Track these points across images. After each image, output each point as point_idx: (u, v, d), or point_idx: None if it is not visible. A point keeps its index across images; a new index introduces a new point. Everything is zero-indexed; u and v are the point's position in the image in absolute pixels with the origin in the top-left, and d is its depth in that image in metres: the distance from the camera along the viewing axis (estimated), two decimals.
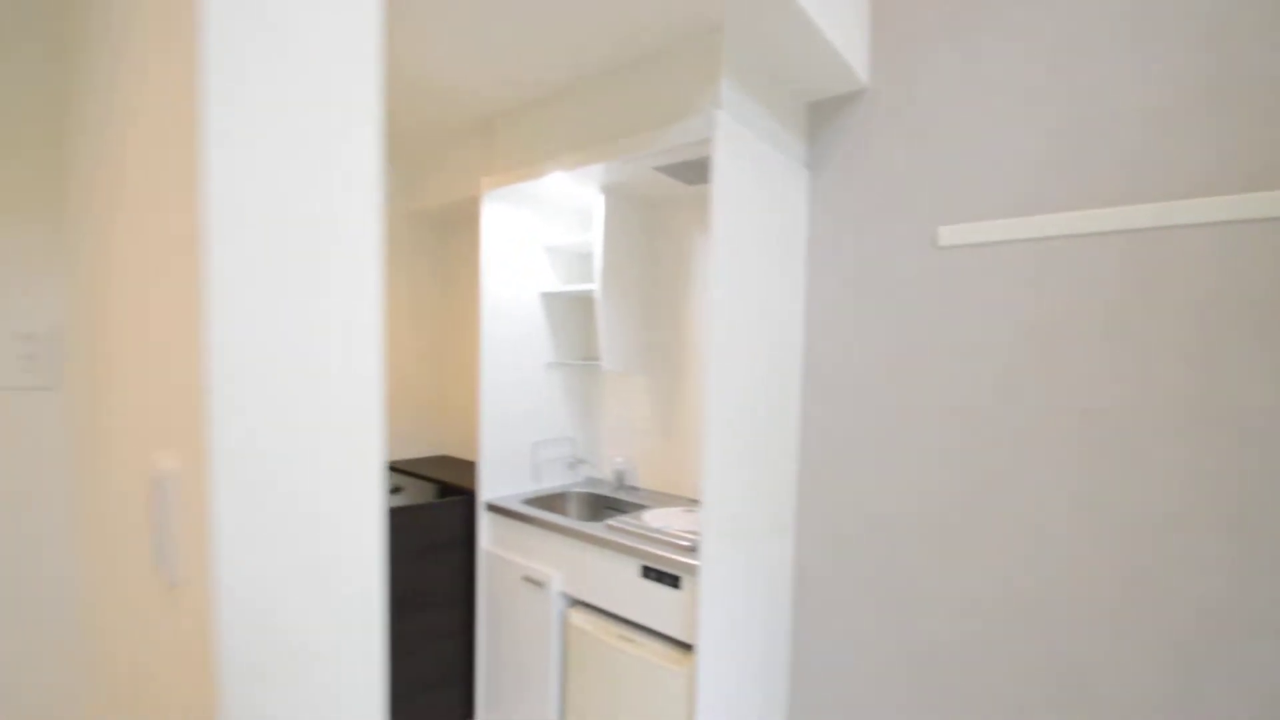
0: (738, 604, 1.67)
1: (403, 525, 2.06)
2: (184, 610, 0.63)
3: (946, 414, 1.62)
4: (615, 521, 1.87)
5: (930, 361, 1.64)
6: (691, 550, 1.59)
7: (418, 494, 2.56)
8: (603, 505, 2.26)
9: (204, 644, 0.57)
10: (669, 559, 1.61)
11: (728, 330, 1.55)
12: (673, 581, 1.63)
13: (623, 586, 1.75)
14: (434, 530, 2.16)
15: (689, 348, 2.19)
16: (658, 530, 1.75)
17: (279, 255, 0.56)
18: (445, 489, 2.37)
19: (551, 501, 2.25)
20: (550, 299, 2.35)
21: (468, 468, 2.58)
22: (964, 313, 1.58)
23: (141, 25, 0.67)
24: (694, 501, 2.08)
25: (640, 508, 2.10)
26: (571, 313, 2.45)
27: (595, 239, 2.05)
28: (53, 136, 1.10)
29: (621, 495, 2.26)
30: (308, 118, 0.57)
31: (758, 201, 1.63)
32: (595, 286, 2.06)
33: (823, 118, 1.84)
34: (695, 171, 1.82)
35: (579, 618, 1.89)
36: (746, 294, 1.61)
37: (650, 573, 1.68)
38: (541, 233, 2.31)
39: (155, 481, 0.64)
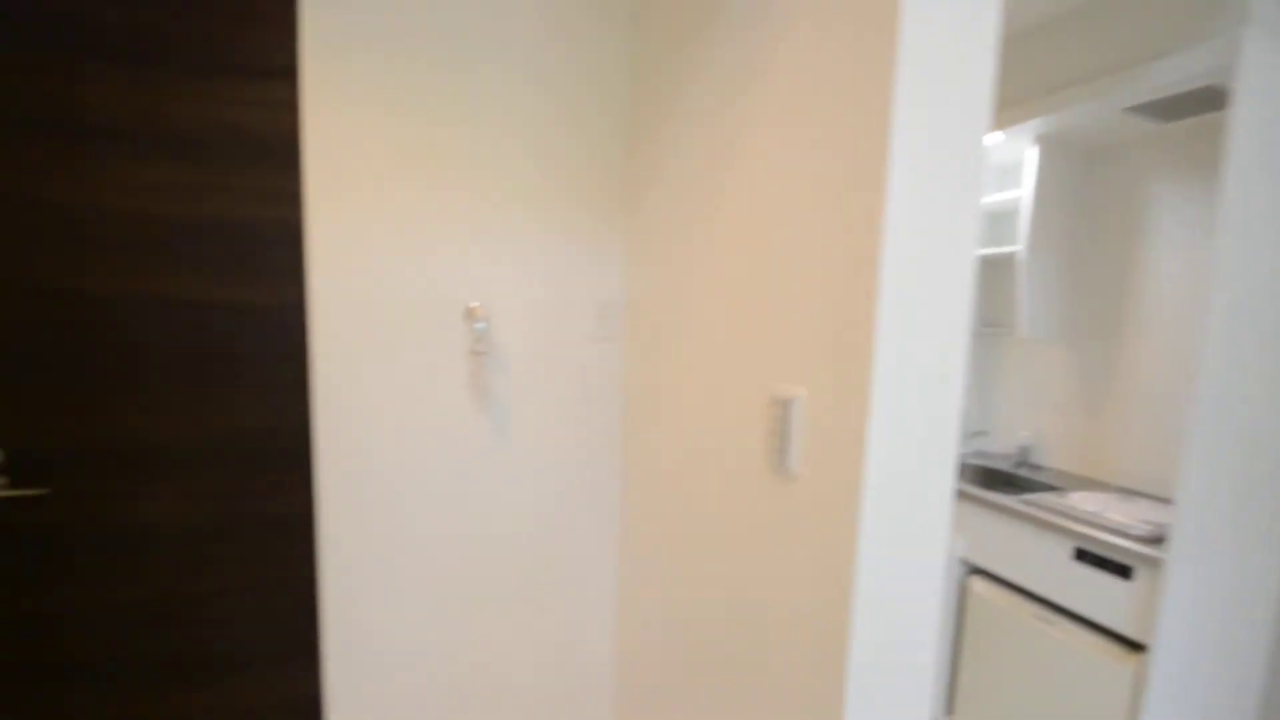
0: (1212, 612, 1.44)
1: None
2: (798, 499, 0.84)
3: None
4: (1034, 498, 1.77)
5: None
6: (1153, 541, 1.42)
7: None
8: (999, 480, 2.14)
9: (836, 526, 0.77)
10: (1118, 546, 1.47)
11: (1236, 293, 1.31)
12: (1122, 571, 1.48)
13: (1046, 565, 1.66)
14: None
15: (1135, 313, 1.89)
16: (1093, 514, 1.60)
17: (925, 244, 0.71)
18: None
19: None
20: None
21: None
22: None
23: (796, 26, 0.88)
24: (1125, 490, 1.83)
25: (1050, 488, 1.93)
26: (978, 276, 2.33)
27: (1024, 195, 1.91)
28: (622, 144, 1.51)
29: (1023, 472, 2.10)
30: (951, 118, 0.69)
31: None
32: (1019, 247, 1.92)
33: None
34: (1186, 105, 1.54)
35: (983, 587, 1.86)
36: (1262, 249, 1.33)
37: (1088, 557, 1.56)
38: None
39: (780, 403, 0.86)
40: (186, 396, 1.30)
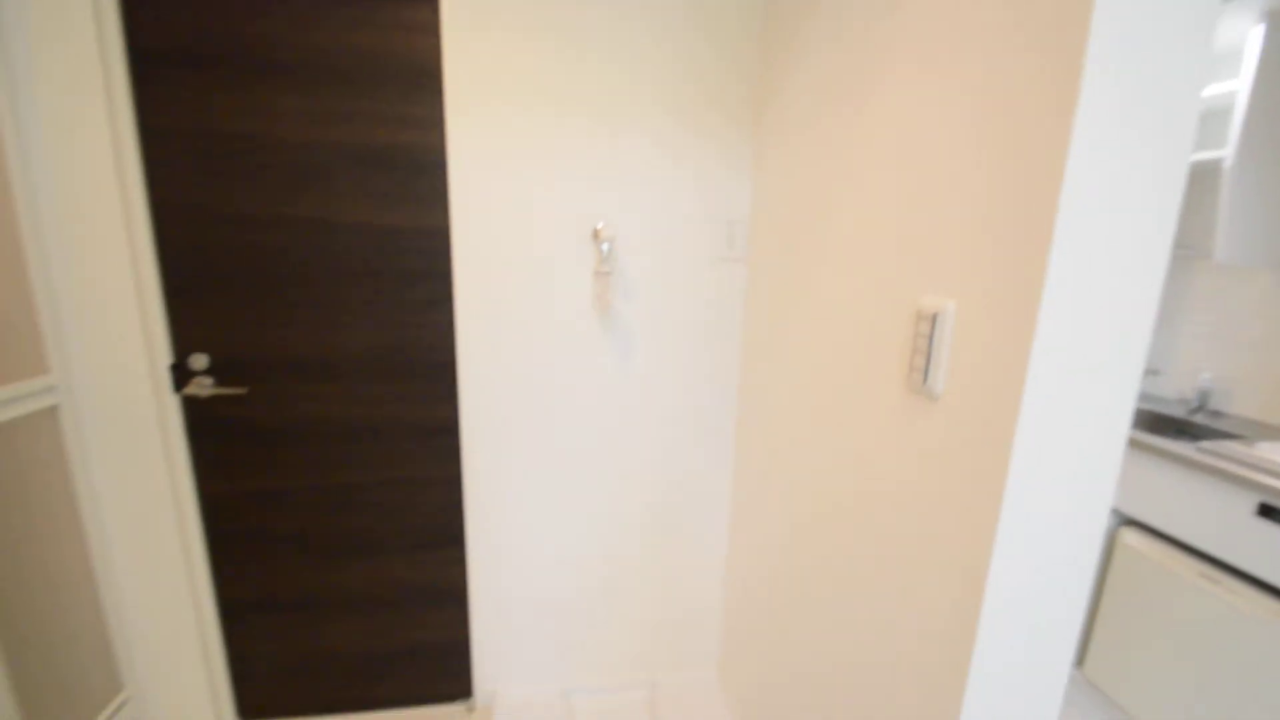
0: None
1: None
2: (940, 422, 0.80)
3: None
4: (1212, 445, 1.56)
5: None
6: None
7: None
8: (1169, 426, 1.90)
9: (982, 454, 0.73)
10: None
11: None
12: None
13: (1221, 521, 1.48)
14: None
15: None
16: None
17: (1124, 139, 0.61)
18: None
19: None
20: None
21: None
22: None
23: None
24: None
25: (1233, 436, 1.69)
26: None
27: (1240, 89, 1.58)
28: (753, 56, 1.42)
29: (1199, 419, 1.85)
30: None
31: None
32: (1227, 153, 1.61)
33: None
34: None
35: (1136, 540, 1.69)
36: None
37: (1276, 514, 1.37)
38: None
39: (925, 317, 0.80)
40: (348, 312, 1.45)
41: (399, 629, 1.68)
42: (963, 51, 0.76)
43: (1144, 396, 2.06)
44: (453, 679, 1.76)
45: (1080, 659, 1.83)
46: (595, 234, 1.42)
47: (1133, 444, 1.68)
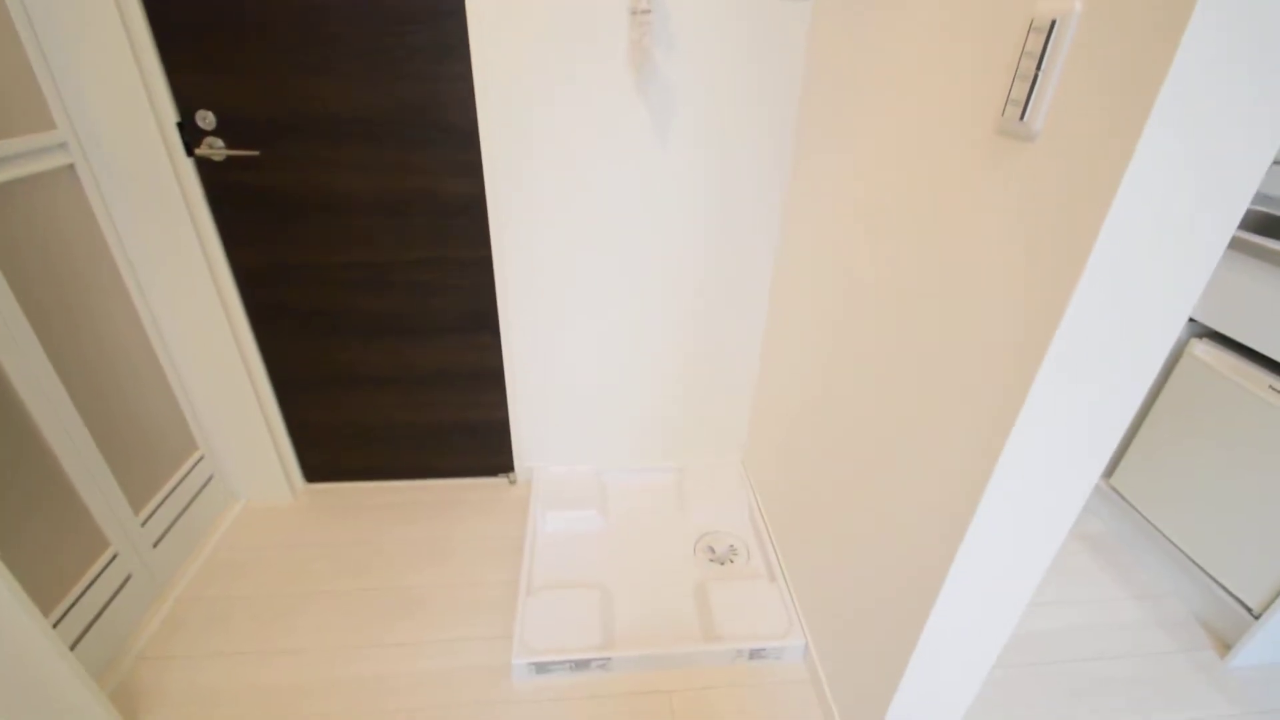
0: None
1: None
2: (1028, 167, 0.66)
3: None
4: None
5: None
6: None
7: None
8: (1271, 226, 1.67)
9: (1073, 210, 0.61)
10: None
11: None
12: None
13: None
14: None
15: None
16: None
17: None
18: None
19: None
20: None
21: None
22: None
23: None
24: None
25: None
26: None
27: None
28: None
29: None
30: None
31: None
32: None
33: None
34: None
35: (1207, 351, 1.57)
36: None
37: None
38: None
39: (1038, 29, 0.63)
40: (363, 68, 1.30)
41: (441, 406, 1.76)
42: None
43: (1259, 198, 1.80)
44: (495, 454, 1.88)
45: (1109, 470, 1.83)
46: None
47: (1235, 244, 1.48)
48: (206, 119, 1.31)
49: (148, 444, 1.48)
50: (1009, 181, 0.70)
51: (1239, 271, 1.48)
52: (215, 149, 1.34)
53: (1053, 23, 0.62)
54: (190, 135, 1.33)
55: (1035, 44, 0.64)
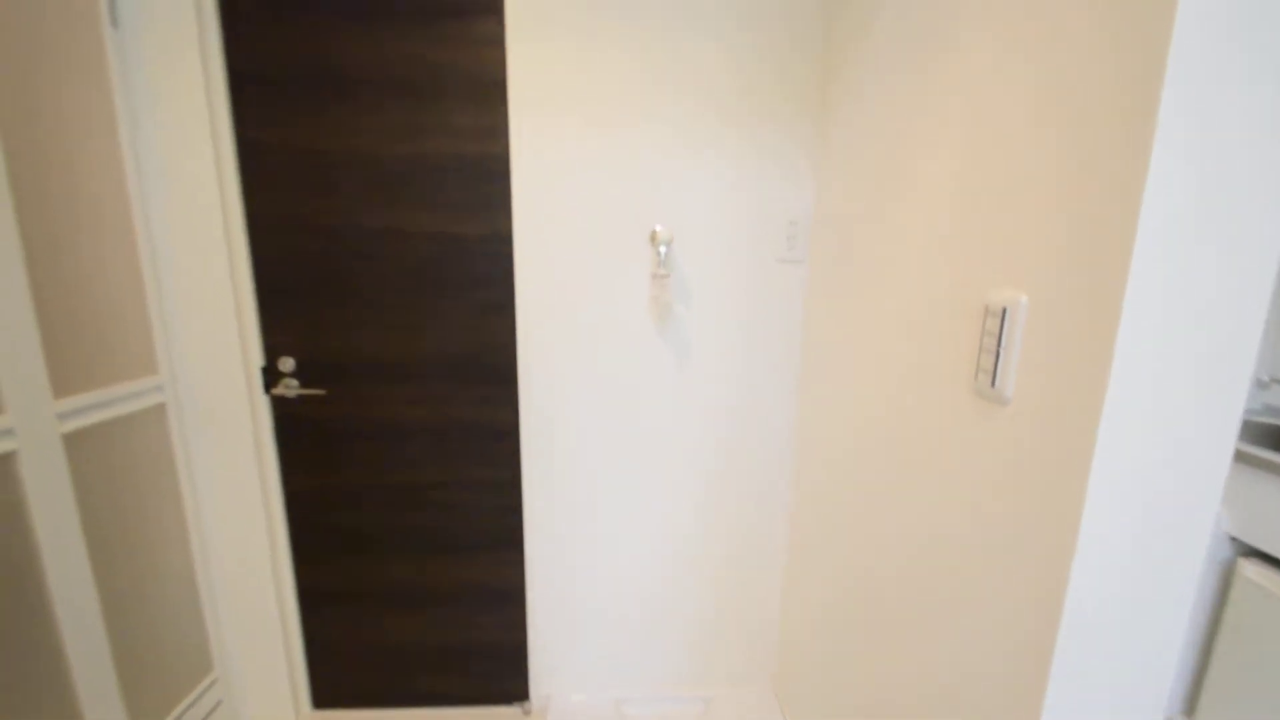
0: None
1: None
2: (1009, 427, 0.74)
3: None
4: None
5: None
6: None
7: None
8: None
9: (1059, 464, 0.67)
10: None
11: None
12: None
13: None
14: None
15: None
16: None
17: (1227, 101, 0.55)
18: None
19: None
20: None
21: None
22: None
23: None
24: None
25: None
26: None
27: None
28: (816, 57, 1.39)
29: None
30: None
31: None
32: None
33: None
34: None
35: (1258, 573, 1.50)
36: None
37: None
38: None
39: (993, 313, 0.75)
40: (419, 316, 1.52)
41: (460, 627, 1.72)
42: (1031, 18, 0.71)
43: (1268, 409, 1.84)
44: (510, 679, 1.78)
45: (1190, 706, 1.64)
46: (653, 236, 1.42)
47: (1253, 462, 1.50)
48: (287, 364, 1.52)
49: (164, 665, 1.46)
50: (991, 439, 0.78)
51: (1269, 486, 1.47)
52: (290, 388, 1.52)
53: (1004, 310, 0.74)
54: (270, 377, 1.52)
55: (993, 325, 0.76)
